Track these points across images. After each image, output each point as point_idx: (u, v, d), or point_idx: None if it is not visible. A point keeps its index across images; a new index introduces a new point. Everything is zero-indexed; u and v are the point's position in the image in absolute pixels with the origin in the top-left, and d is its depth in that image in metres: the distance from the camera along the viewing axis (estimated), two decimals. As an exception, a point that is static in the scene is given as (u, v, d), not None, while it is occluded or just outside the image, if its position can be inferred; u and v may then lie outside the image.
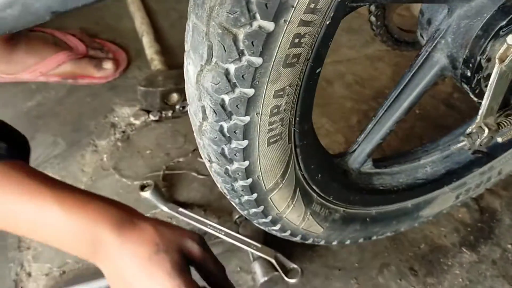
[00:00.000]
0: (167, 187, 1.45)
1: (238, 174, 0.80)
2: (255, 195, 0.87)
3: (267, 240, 1.31)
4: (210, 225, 1.32)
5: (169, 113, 1.61)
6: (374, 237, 1.27)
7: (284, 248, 1.29)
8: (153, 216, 1.38)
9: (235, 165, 0.79)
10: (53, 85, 1.71)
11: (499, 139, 0.86)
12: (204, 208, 1.42)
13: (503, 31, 0.83)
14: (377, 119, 1.05)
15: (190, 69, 0.70)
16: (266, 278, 1.22)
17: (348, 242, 1.22)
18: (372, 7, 1.23)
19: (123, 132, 1.57)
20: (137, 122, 1.59)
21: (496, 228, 1.45)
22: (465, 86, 0.94)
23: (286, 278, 1.22)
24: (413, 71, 0.97)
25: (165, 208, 1.36)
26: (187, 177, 1.47)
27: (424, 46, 0.95)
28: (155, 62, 1.69)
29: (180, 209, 1.36)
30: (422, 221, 1.33)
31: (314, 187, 0.99)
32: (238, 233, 1.31)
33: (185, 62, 0.71)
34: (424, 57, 0.95)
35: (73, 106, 1.66)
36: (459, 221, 1.46)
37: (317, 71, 0.74)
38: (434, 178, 1.26)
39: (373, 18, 1.20)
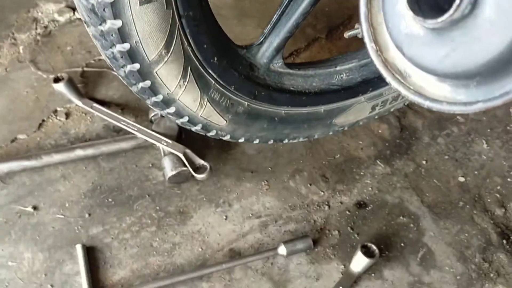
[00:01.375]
0: (85, 83, 1.41)
1: (112, 36, 0.78)
2: (137, 65, 0.84)
3: (181, 138, 1.31)
4: (123, 121, 1.31)
5: (96, 12, 1.55)
6: (286, 140, 1.28)
7: (199, 149, 1.29)
8: (67, 110, 1.36)
9: (108, 24, 0.76)
10: (-24, -24, 1.62)
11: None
12: (122, 107, 1.40)
13: None
14: (282, 9, 1.03)
15: None
16: (174, 172, 1.22)
17: (257, 141, 1.22)
18: None
19: (45, 27, 1.51)
20: (61, 19, 1.53)
21: (414, 145, 1.47)
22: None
23: (193, 173, 1.23)
24: (317, -45, 0.94)
25: (79, 103, 1.33)
26: (108, 76, 1.44)
27: None
28: (85, -41, 1.61)
29: (95, 104, 1.34)
30: (337, 130, 1.34)
31: (210, 71, 0.97)
32: (151, 130, 1.30)
33: None
34: None
35: (-4, -1, 1.58)
36: (378, 136, 1.48)
37: None
38: (349, 85, 1.26)
39: None
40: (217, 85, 1.01)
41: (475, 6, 0.40)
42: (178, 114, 1.01)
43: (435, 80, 0.46)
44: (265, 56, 1.10)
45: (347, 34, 0.92)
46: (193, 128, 1.08)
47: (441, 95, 0.46)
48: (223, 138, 1.16)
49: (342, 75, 1.26)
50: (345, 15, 1.78)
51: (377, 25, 0.50)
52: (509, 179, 1.39)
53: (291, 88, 1.19)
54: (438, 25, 0.41)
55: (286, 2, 1.02)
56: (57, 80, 1.31)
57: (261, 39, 1.08)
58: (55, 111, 1.34)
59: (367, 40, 0.51)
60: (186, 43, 0.88)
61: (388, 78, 0.49)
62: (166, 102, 0.96)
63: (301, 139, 1.31)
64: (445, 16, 0.40)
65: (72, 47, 1.47)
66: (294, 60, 1.63)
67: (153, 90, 0.91)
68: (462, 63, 0.42)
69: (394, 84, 0.49)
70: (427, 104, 0.47)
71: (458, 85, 0.45)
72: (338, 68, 1.25)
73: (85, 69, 1.42)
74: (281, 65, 1.15)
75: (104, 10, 0.73)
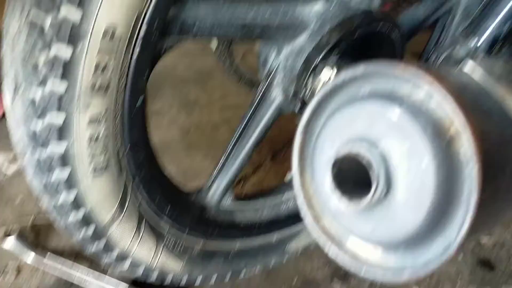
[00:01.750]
0: (37, 233, 1.40)
1: (67, 207, 0.81)
2: (91, 228, 0.87)
3: (137, 281, 1.30)
4: (77, 270, 1.29)
5: (46, 160, 1.58)
6: (243, 273, 1.29)
7: (156, 289, 1.27)
8: (18, 266, 1.33)
9: (62, 196, 0.79)
10: None
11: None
12: (75, 255, 1.38)
13: (319, 67, 0.93)
14: (228, 153, 1.11)
15: (7, 96, 0.72)
16: (131, 323, 1.19)
17: (214, 279, 1.23)
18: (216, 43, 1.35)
19: (-6, 180, 1.52)
20: (10, 170, 1.55)
21: (366, 259, 1.52)
22: (300, 120, 1.02)
23: (151, 320, 1.20)
24: (253, 108, 1.04)
25: (29, 259, 1.31)
26: (59, 224, 1.44)
27: (261, 84, 1.03)
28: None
29: (45, 259, 1.31)
30: (291, 256, 1.38)
31: (163, 220, 1.01)
32: (106, 275, 1.28)
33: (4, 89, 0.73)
34: (261, 93, 1.03)
35: None
36: (332, 254, 1.52)
37: (137, 104, 0.78)
38: (296, 212, 1.32)
39: (217, 52, 1.32)
40: (171, 231, 1.04)
41: (389, 191, 0.48)
42: (134, 265, 1.02)
43: (369, 246, 0.52)
44: (215, 198, 1.15)
45: (287, 179, 1.00)
46: (149, 278, 1.09)
47: (375, 260, 0.52)
48: (180, 284, 1.16)
49: (289, 203, 1.32)
50: (285, 139, 1.90)
51: (311, 195, 0.57)
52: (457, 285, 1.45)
53: (242, 223, 1.23)
54: (359, 207, 0.48)
55: (230, 148, 1.09)
56: (6, 235, 1.29)
57: (209, 183, 1.13)
58: (6, 268, 1.31)
59: (303, 208, 0.57)
60: (139, 200, 0.92)
61: (326, 247, 0.54)
62: (122, 257, 0.97)
63: (257, 269, 1.33)
64: (364, 202, 0.47)
65: (22, 198, 1.47)
66: (243, 187, 1.70)
67: (107, 249, 0.93)
68: (386, 236, 0.48)
69: (331, 253, 0.54)
70: (363, 270, 0.52)
71: (389, 251, 0.51)
72: (284, 197, 1.32)
73: (36, 219, 1.42)
74: (230, 203, 1.20)
75: (58, 186, 0.77)
